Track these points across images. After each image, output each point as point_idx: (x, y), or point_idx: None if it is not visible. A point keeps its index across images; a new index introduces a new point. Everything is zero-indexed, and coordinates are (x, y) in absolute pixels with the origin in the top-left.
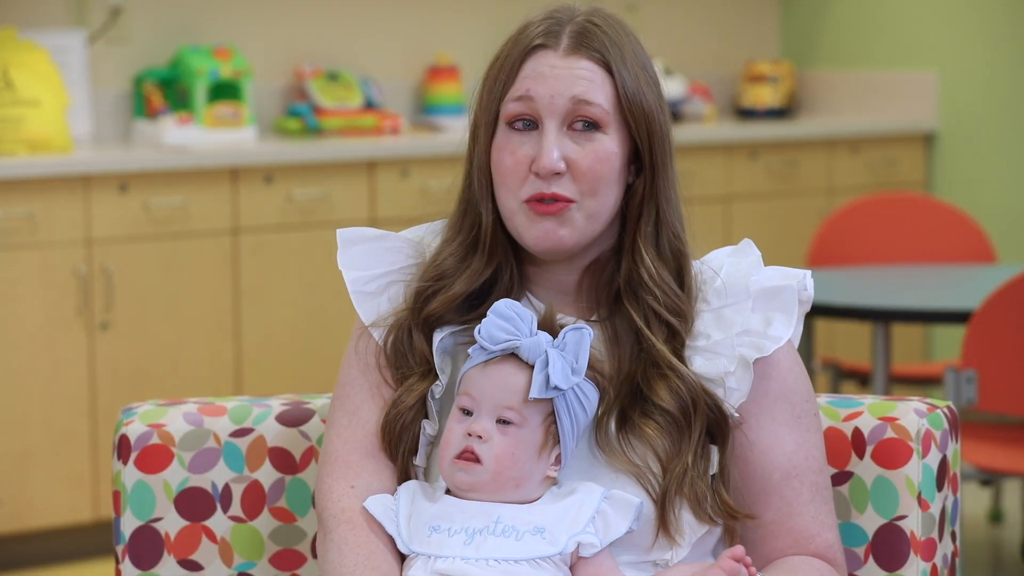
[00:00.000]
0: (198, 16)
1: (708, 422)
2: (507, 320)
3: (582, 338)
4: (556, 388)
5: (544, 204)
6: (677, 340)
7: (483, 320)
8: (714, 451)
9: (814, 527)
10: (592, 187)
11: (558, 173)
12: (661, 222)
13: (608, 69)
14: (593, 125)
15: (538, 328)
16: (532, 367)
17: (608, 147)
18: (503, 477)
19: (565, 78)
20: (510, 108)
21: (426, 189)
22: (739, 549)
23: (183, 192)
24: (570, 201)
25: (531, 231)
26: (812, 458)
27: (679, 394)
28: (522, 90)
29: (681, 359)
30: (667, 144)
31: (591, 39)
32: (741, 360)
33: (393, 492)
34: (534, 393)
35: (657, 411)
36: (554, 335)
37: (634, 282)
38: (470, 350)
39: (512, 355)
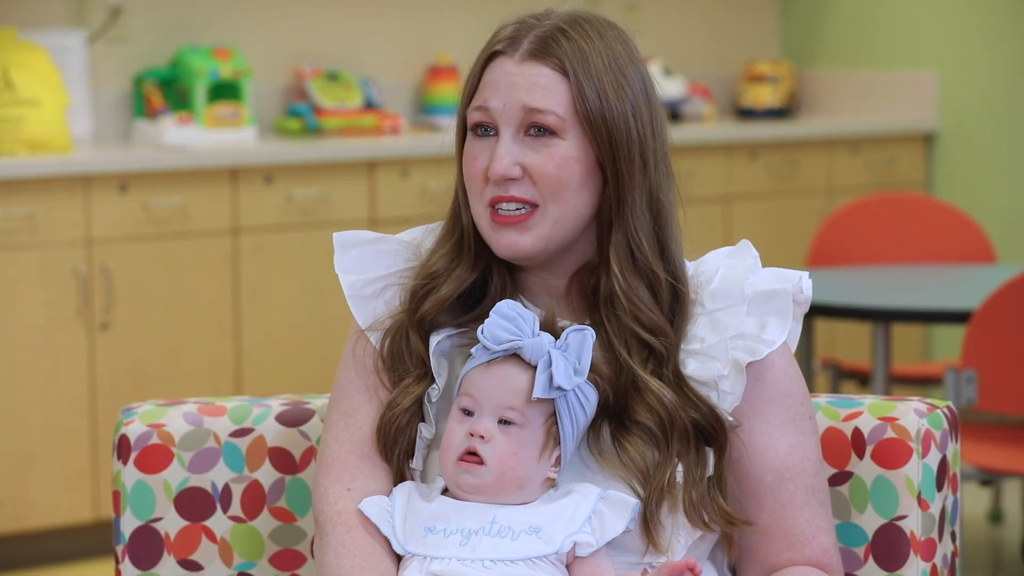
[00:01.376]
0: (198, 16)
1: (702, 428)
2: (510, 320)
3: (585, 339)
4: (559, 388)
5: (503, 214)
6: (656, 357)
7: (486, 320)
8: (710, 455)
9: (809, 530)
10: (553, 191)
11: (512, 179)
12: (629, 234)
13: (566, 75)
14: (549, 131)
15: (540, 329)
16: (534, 368)
17: (565, 152)
18: (506, 478)
19: (519, 86)
20: (472, 116)
21: (426, 189)
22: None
23: (183, 192)
24: (533, 204)
25: (494, 239)
26: (807, 461)
27: (656, 412)
28: (480, 99)
29: (661, 375)
30: (636, 152)
31: (551, 46)
32: (734, 364)
33: (389, 494)
34: (537, 393)
35: (636, 426)
36: (555, 336)
37: (609, 294)
38: (473, 350)
39: (514, 356)
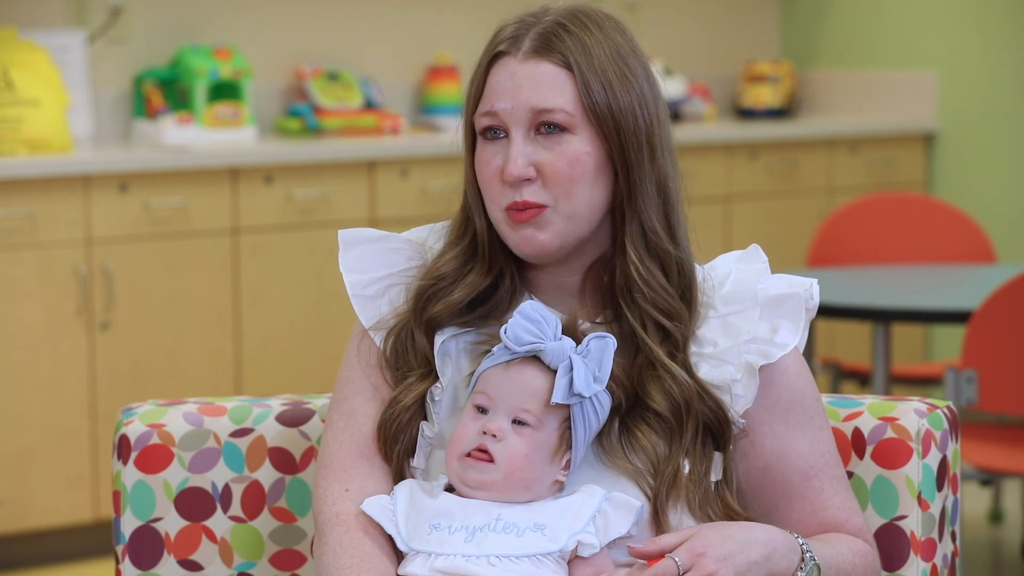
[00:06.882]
0: (198, 16)
1: (708, 425)
2: (533, 323)
3: (606, 346)
4: (578, 395)
5: (520, 212)
6: (671, 342)
7: (509, 320)
8: (717, 456)
9: (842, 516)
10: (565, 190)
11: (527, 180)
12: (643, 220)
13: (570, 70)
14: (559, 128)
15: (562, 333)
16: (554, 371)
17: (577, 148)
18: (514, 478)
19: (525, 87)
20: (481, 121)
21: (426, 189)
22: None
23: (183, 192)
24: (543, 207)
25: (513, 238)
26: (828, 454)
27: (671, 395)
28: (487, 105)
29: (676, 360)
30: (644, 141)
31: (553, 42)
32: (748, 367)
33: (390, 494)
34: (557, 398)
35: (650, 413)
36: (577, 341)
37: (627, 282)
38: (495, 349)
39: (534, 358)
